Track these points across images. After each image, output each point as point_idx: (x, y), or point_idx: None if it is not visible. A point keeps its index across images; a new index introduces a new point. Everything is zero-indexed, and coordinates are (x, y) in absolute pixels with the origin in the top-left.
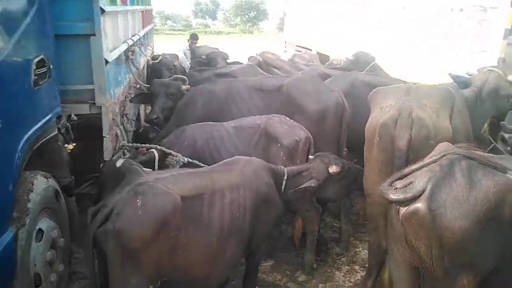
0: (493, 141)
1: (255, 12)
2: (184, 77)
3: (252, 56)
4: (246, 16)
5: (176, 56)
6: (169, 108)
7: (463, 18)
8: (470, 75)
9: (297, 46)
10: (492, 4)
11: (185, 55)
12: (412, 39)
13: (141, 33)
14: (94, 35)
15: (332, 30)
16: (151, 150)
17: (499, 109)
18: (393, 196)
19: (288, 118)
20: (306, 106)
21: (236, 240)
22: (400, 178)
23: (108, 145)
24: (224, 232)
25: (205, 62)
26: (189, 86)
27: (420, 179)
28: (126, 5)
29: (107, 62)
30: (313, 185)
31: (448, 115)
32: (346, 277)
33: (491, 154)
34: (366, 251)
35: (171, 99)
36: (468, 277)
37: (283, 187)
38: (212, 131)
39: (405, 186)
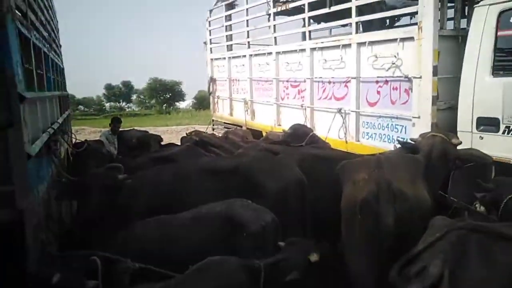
0: (466, 205)
1: (170, 94)
2: (119, 165)
3: (185, 137)
4: (162, 97)
5: (102, 143)
6: (107, 203)
7: (389, 89)
8: (414, 141)
9: (225, 123)
10: (414, 74)
11: (107, 140)
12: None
13: (60, 120)
14: (12, 126)
15: (261, 106)
16: (93, 257)
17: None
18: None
19: (249, 201)
20: (265, 185)
21: None
22: (406, 263)
23: (32, 255)
24: None
25: (136, 146)
26: (125, 175)
27: (433, 263)
28: (44, 91)
29: (29, 156)
30: (296, 277)
31: (423, 185)
32: None
33: (493, 223)
34: None
35: (108, 193)
36: None
37: (260, 284)
38: (165, 227)
39: (418, 273)
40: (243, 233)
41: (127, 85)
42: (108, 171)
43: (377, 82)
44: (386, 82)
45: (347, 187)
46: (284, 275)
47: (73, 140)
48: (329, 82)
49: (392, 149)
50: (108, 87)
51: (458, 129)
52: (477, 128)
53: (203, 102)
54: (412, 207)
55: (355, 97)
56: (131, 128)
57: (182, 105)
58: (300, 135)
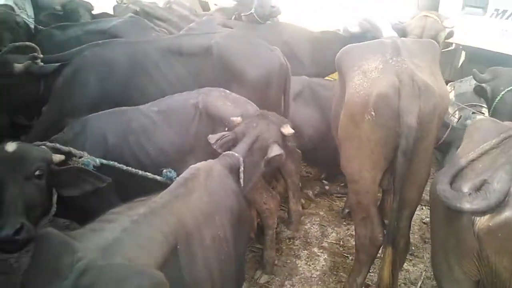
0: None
1: None
2: (32, 44)
3: (119, 5)
4: None
5: (11, 8)
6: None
7: None
8: (403, 23)
9: None
10: None
11: (16, 5)
12: None
13: None
14: None
15: None
16: (41, 147)
17: None
18: (470, 205)
19: (228, 91)
20: (246, 71)
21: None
22: (455, 174)
23: None
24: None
25: (62, 15)
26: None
27: (497, 175)
28: None
29: None
30: (281, 153)
31: (441, 74)
32: (309, 264)
33: None
34: (315, 226)
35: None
36: None
37: (241, 180)
38: (128, 121)
39: (478, 188)
40: (224, 128)
41: None
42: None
43: None
44: None
45: (353, 78)
46: (258, 160)
47: None
48: None
49: None
50: None
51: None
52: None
53: None
54: (436, 103)
55: None
56: None
57: None
58: (247, 1)
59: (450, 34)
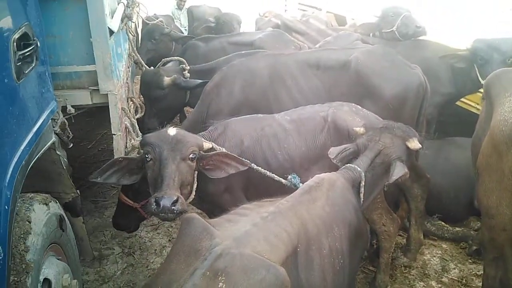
0: None
1: None
2: (181, 59)
3: (261, 18)
4: None
5: (171, 18)
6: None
7: None
8: None
9: (300, 4)
10: None
11: (173, 15)
12: None
13: None
14: None
15: None
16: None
17: None
18: None
19: (359, 107)
20: (383, 89)
21: None
22: None
23: (119, 144)
24: None
25: (215, 28)
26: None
27: None
28: None
29: (111, 32)
30: (405, 172)
31: None
32: None
33: None
34: (435, 258)
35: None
36: None
37: (361, 196)
38: (263, 127)
39: None
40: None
41: None
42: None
43: None
44: None
45: (504, 105)
46: (380, 175)
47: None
48: None
49: None
50: None
51: None
52: None
53: None
54: None
55: None
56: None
57: None
58: (390, 18)
59: None
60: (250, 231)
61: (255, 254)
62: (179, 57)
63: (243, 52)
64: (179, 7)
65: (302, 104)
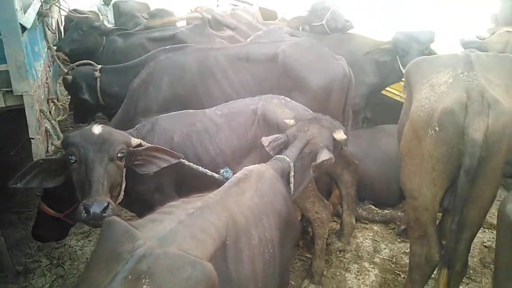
0: None
1: None
2: (89, 61)
3: (190, 13)
4: None
5: (96, 15)
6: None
7: None
8: (482, 39)
9: None
10: None
11: (99, 11)
12: None
13: None
14: None
15: None
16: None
17: None
18: None
19: (288, 99)
20: (310, 80)
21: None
22: None
23: (38, 148)
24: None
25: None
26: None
27: None
28: None
29: (24, 28)
30: (330, 157)
31: None
32: (358, 279)
33: None
34: (368, 240)
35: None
36: None
37: (291, 186)
38: (193, 122)
39: None
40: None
41: None
42: None
43: None
44: None
45: (420, 92)
46: (308, 164)
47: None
48: None
49: None
50: None
51: None
52: None
53: None
54: (506, 122)
55: None
56: None
57: None
58: (319, 12)
59: None
60: (175, 229)
61: (180, 252)
62: (88, 61)
63: (168, 47)
64: (106, 2)
65: (233, 98)
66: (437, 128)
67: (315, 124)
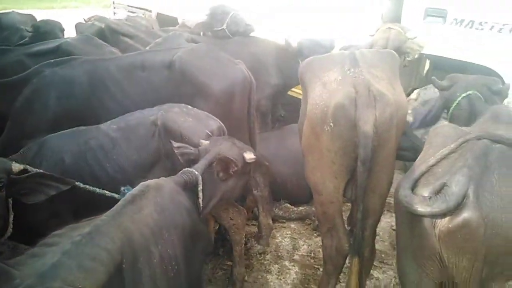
0: None
1: None
2: None
3: (81, 23)
4: None
5: None
6: None
7: None
8: (371, 36)
9: (129, 6)
10: None
11: None
12: None
13: None
14: None
15: None
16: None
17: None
18: (429, 208)
19: (190, 107)
20: (210, 85)
21: None
22: (416, 179)
23: None
24: None
25: (34, 37)
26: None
27: (455, 178)
28: None
29: None
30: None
31: (400, 85)
32: (280, 279)
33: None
34: (286, 239)
35: None
36: (501, 283)
37: (200, 200)
38: (86, 140)
39: (438, 192)
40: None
41: None
42: None
43: None
44: None
45: (314, 90)
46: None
47: None
48: None
49: None
50: None
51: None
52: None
53: None
54: (392, 113)
55: None
56: (9, 10)
57: None
58: (219, 17)
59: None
60: (59, 262)
61: (65, 287)
62: None
63: (53, 60)
64: None
65: (131, 110)
66: (331, 124)
67: (228, 142)
